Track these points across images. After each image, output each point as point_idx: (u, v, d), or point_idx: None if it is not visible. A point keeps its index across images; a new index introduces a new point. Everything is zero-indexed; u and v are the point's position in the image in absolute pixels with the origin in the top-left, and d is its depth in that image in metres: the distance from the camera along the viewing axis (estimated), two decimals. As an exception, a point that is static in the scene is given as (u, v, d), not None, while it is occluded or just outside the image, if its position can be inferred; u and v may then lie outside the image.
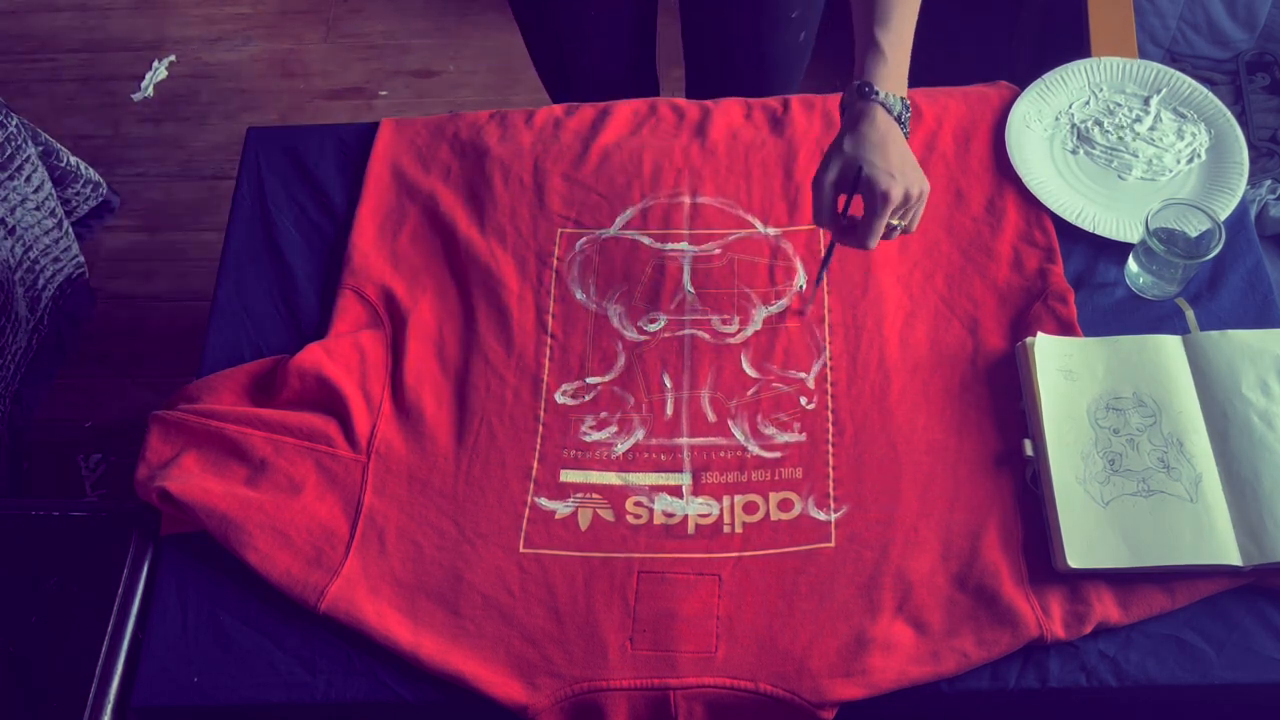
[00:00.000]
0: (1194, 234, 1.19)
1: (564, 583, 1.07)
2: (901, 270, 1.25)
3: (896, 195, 1.05)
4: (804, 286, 1.24)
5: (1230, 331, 1.16)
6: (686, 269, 1.26)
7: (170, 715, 1.05)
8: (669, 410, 1.18)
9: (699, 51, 1.55)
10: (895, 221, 1.08)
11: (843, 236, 1.10)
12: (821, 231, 1.25)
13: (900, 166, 1.06)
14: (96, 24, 2.59)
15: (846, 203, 1.09)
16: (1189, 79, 1.36)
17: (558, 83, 1.60)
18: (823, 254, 1.14)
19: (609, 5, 1.46)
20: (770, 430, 1.16)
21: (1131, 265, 1.23)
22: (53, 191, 1.97)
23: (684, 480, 1.13)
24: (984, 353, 1.19)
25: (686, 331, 1.22)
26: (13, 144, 1.83)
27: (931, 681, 1.01)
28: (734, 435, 1.16)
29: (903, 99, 1.08)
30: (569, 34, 1.49)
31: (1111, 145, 1.32)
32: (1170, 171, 1.30)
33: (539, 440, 1.16)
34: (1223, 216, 1.24)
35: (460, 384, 1.20)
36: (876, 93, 1.06)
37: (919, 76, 1.43)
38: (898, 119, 1.08)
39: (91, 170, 2.11)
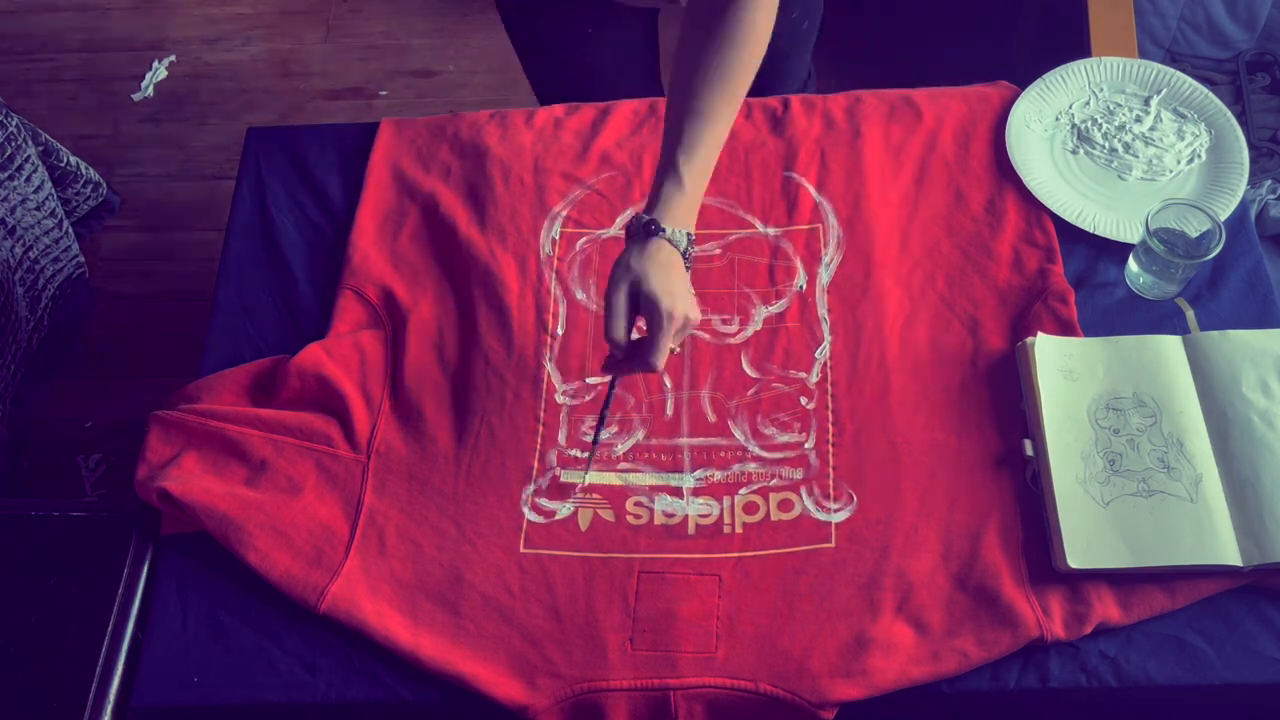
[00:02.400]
0: (1194, 234, 1.19)
1: (564, 583, 1.07)
2: (902, 271, 1.25)
3: (679, 315, 1.03)
4: (804, 286, 1.24)
5: (1230, 331, 1.16)
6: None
7: (170, 715, 1.05)
8: (669, 410, 1.18)
9: None
10: (673, 346, 1.05)
11: (624, 362, 1.07)
12: (599, 380, 1.20)
13: (682, 292, 1.05)
14: (96, 24, 2.59)
15: (631, 322, 1.07)
16: (1189, 79, 1.36)
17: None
18: (604, 400, 1.12)
19: (621, 44, 1.45)
20: (770, 430, 1.16)
21: (1132, 265, 1.23)
22: (53, 191, 1.97)
23: (684, 480, 1.13)
24: (984, 353, 1.19)
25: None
26: (13, 144, 1.83)
27: (932, 682, 1.01)
28: (734, 435, 1.16)
29: (688, 234, 1.07)
30: (583, 73, 1.48)
31: (1112, 145, 1.32)
32: (1170, 171, 1.30)
33: (539, 440, 1.16)
34: (1223, 216, 1.24)
35: (460, 384, 1.20)
36: (663, 230, 1.05)
37: (919, 77, 1.44)
38: (683, 254, 1.06)
39: (91, 170, 2.11)
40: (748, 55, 1.08)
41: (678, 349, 1.08)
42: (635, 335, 1.08)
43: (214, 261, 1.36)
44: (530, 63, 1.52)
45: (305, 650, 1.05)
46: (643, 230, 1.06)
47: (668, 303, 1.03)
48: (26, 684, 1.06)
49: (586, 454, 1.14)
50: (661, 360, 1.04)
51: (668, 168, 1.08)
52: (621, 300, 1.05)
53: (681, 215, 1.07)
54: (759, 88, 1.39)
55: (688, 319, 1.04)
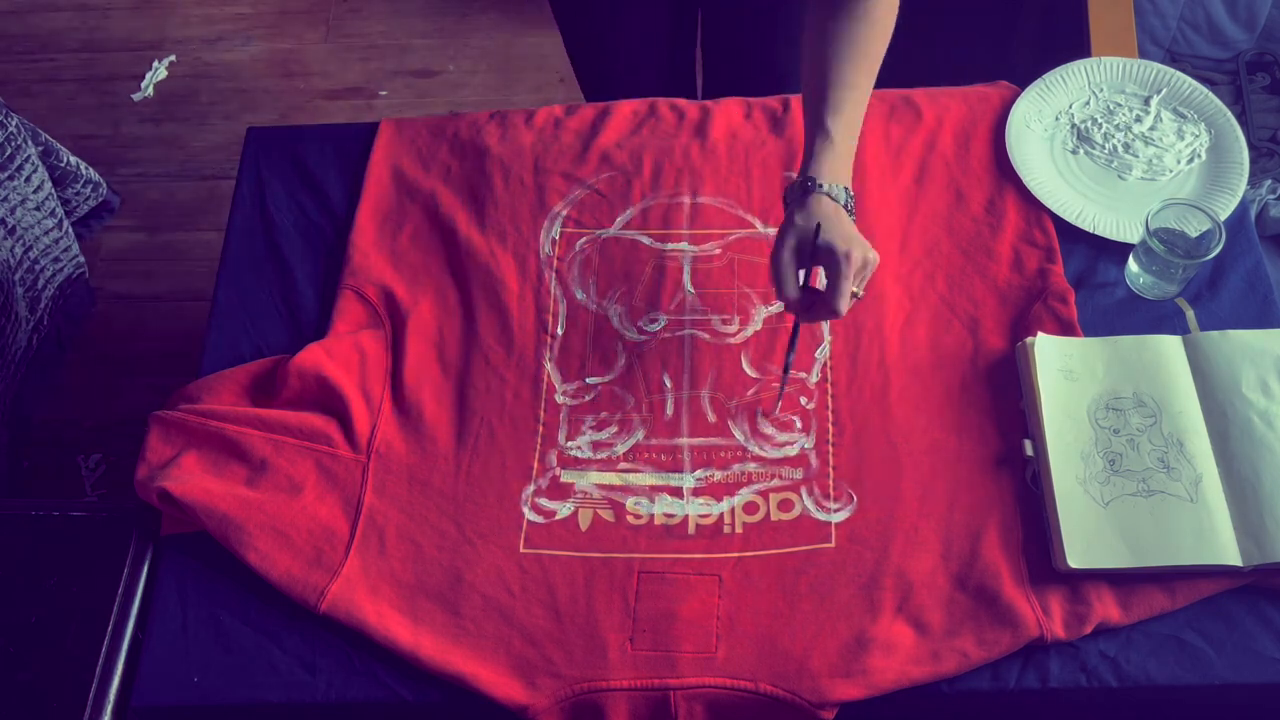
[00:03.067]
0: (1194, 234, 1.19)
1: (564, 583, 1.07)
2: (902, 271, 1.25)
3: (857, 256, 1.05)
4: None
5: (1230, 331, 1.16)
6: (686, 269, 1.26)
7: (170, 715, 1.05)
8: (669, 410, 1.18)
9: (714, 68, 1.58)
10: (855, 289, 1.07)
11: (805, 313, 1.10)
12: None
13: (852, 233, 1.07)
14: (96, 24, 2.59)
15: (805, 275, 1.10)
16: (1189, 79, 1.36)
17: (595, 88, 1.60)
18: (789, 342, 1.13)
19: (647, 11, 1.46)
20: (770, 430, 1.16)
21: (1132, 265, 1.23)
22: (53, 191, 1.97)
23: (684, 480, 1.13)
24: (984, 353, 1.19)
25: (687, 331, 1.22)
26: (13, 144, 1.83)
27: (932, 682, 1.01)
28: (734, 435, 1.16)
29: (847, 189, 1.10)
30: (609, 41, 1.49)
31: (1112, 145, 1.32)
32: (1170, 171, 1.30)
33: (539, 440, 1.16)
34: (1223, 216, 1.24)
35: (460, 384, 1.20)
36: (820, 185, 1.08)
37: (920, 77, 1.44)
38: (844, 206, 1.09)
39: (91, 170, 2.11)
40: (879, 34, 1.13)
41: (861, 292, 1.09)
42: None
43: (214, 261, 1.36)
44: (563, 24, 1.54)
45: (305, 650, 1.05)
46: (800, 190, 1.09)
47: (843, 246, 1.05)
48: (26, 684, 1.06)
49: (777, 386, 1.16)
50: (845, 304, 1.06)
51: (815, 129, 1.11)
52: (787, 257, 1.07)
53: (837, 170, 1.10)
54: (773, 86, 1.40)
55: (866, 259, 1.06)
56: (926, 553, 1.07)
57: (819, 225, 1.06)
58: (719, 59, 1.59)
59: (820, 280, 1.09)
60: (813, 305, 1.09)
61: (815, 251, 1.07)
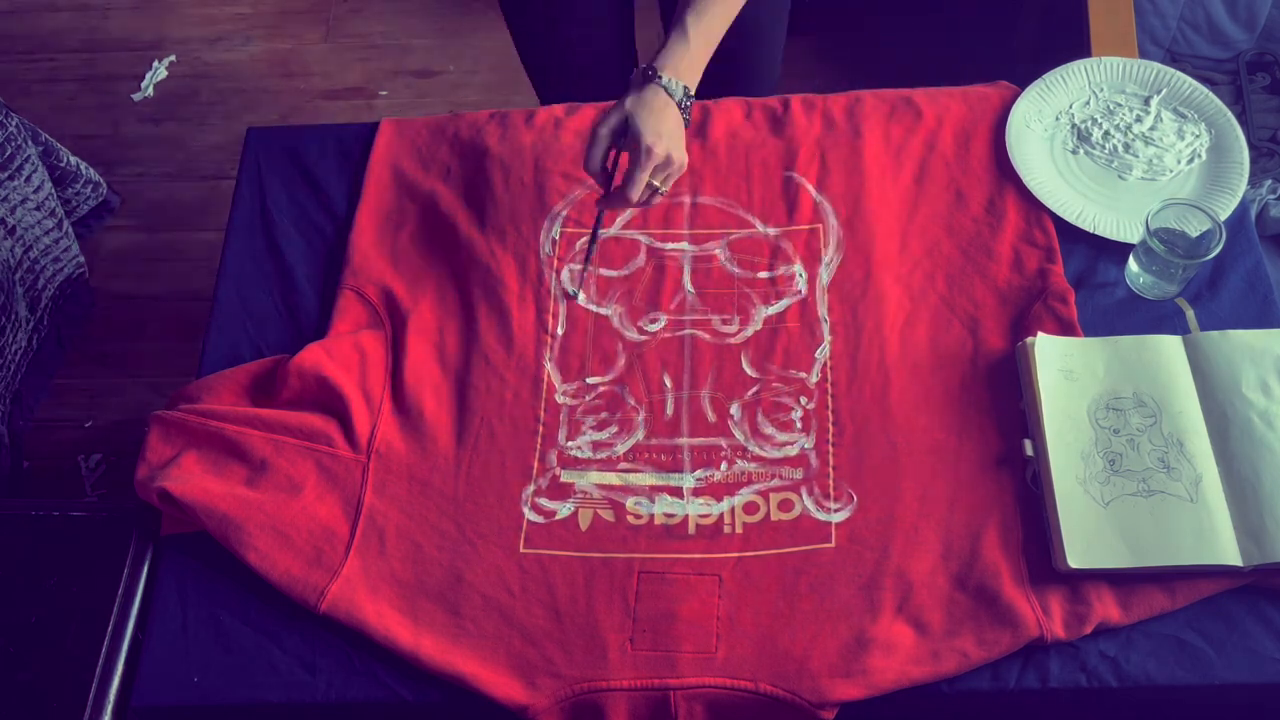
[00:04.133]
0: (1194, 234, 1.19)
1: (564, 583, 1.07)
2: (902, 271, 1.25)
3: (660, 151, 1.10)
4: (804, 287, 1.24)
5: (1230, 331, 1.16)
6: (686, 269, 1.26)
7: (170, 715, 1.05)
8: (669, 410, 1.18)
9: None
10: (655, 183, 1.13)
11: (606, 199, 1.16)
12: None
13: (671, 134, 1.12)
14: (96, 24, 2.59)
15: (615, 158, 1.16)
16: (1189, 79, 1.36)
17: (543, 80, 1.60)
18: (593, 226, 1.22)
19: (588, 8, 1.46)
20: (770, 430, 1.16)
21: (1132, 265, 1.23)
22: (53, 191, 1.97)
23: (684, 480, 1.13)
24: (984, 353, 1.19)
25: (687, 331, 1.22)
26: (13, 144, 1.83)
27: (932, 682, 1.01)
28: (734, 435, 1.16)
29: (686, 88, 1.14)
30: (553, 30, 1.49)
31: (1112, 145, 1.32)
32: (1170, 171, 1.30)
33: (539, 440, 1.16)
34: (1223, 216, 1.24)
35: (460, 384, 1.20)
36: (660, 76, 1.13)
37: (920, 77, 1.44)
38: (678, 105, 1.13)
39: (91, 170, 2.11)
40: None
41: (664, 189, 1.15)
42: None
43: (214, 261, 1.36)
44: (515, 34, 1.54)
45: (305, 650, 1.05)
46: (641, 76, 1.14)
47: (649, 139, 1.10)
48: (26, 684, 1.06)
49: (571, 293, 1.22)
50: (635, 192, 1.12)
51: (674, 25, 1.16)
52: (604, 132, 1.13)
53: (683, 69, 1.14)
54: (731, 76, 1.39)
55: (670, 157, 1.12)
56: (926, 553, 1.07)
57: (636, 117, 1.11)
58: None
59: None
60: (614, 193, 1.15)
61: (626, 136, 1.12)
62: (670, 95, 1.13)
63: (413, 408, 1.18)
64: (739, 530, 1.10)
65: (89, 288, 2.12)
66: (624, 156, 1.16)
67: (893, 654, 1.02)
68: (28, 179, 1.88)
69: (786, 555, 1.08)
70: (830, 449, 1.14)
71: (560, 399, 1.18)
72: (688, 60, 1.15)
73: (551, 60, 1.54)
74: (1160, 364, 1.14)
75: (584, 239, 1.26)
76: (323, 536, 1.10)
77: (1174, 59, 1.77)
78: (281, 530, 1.09)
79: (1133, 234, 1.25)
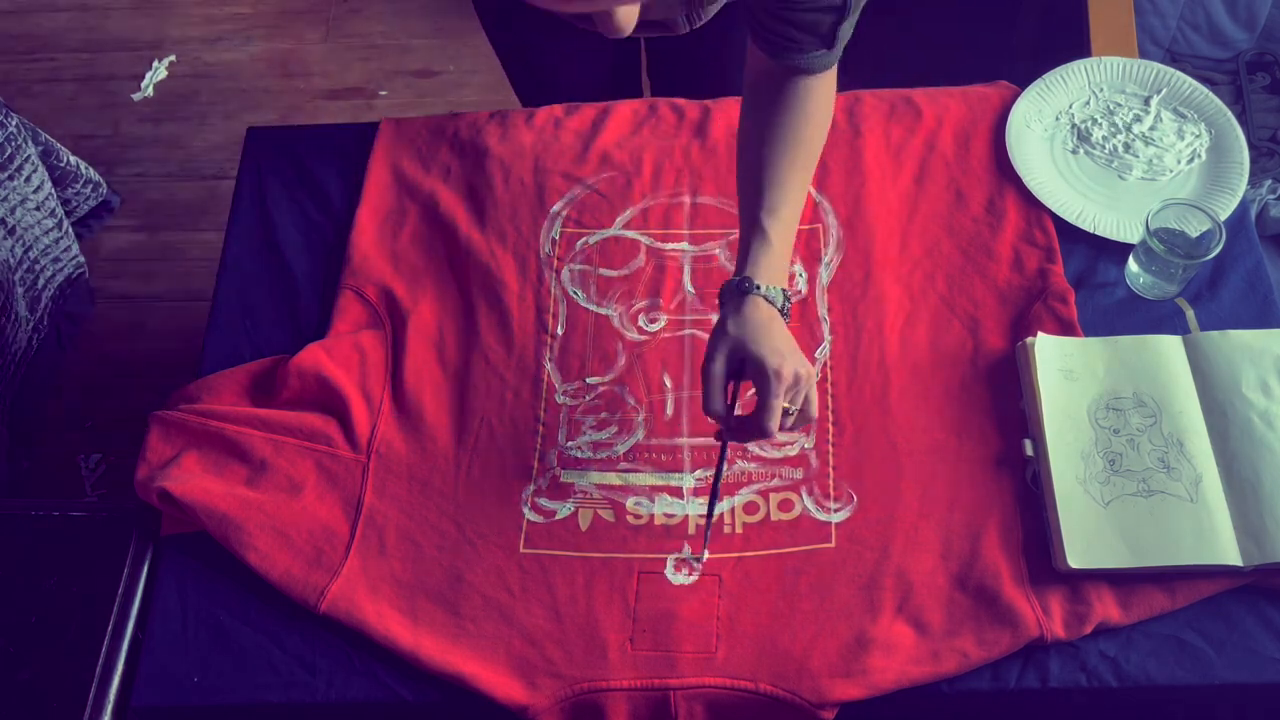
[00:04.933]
0: (1194, 234, 1.19)
1: (564, 583, 1.07)
2: (902, 270, 1.25)
3: (788, 374, 1.00)
4: (804, 287, 1.24)
5: (1230, 331, 1.16)
6: (687, 269, 1.26)
7: (170, 715, 1.05)
8: (669, 410, 1.18)
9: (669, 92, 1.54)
10: (788, 405, 1.01)
11: (733, 433, 1.04)
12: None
13: (787, 347, 1.02)
14: (96, 24, 2.59)
15: (734, 391, 1.06)
16: (1189, 79, 1.35)
17: (527, 97, 1.59)
18: (716, 468, 1.07)
19: (590, 57, 1.45)
20: (770, 430, 1.15)
21: (1132, 265, 1.23)
22: (53, 191, 1.97)
23: (684, 480, 1.13)
24: (984, 353, 1.19)
25: (687, 331, 1.22)
26: (13, 144, 1.83)
27: (932, 681, 1.01)
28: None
29: (784, 290, 1.05)
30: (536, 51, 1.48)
31: (1112, 145, 1.32)
32: (1170, 171, 1.30)
33: (539, 440, 1.16)
34: (1223, 216, 1.24)
35: (460, 384, 1.20)
36: (757, 287, 1.03)
37: (919, 77, 1.44)
38: (780, 310, 1.04)
39: (91, 170, 2.11)
40: (815, 127, 1.10)
41: (794, 409, 1.02)
42: (740, 409, 1.06)
43: (214, 261, 1.36)
44: (507, 64, 1.53)
45: (305, 650, 1.05)
46: (735, 290, 1.04)
47: (775, 361, 1.00)
48: (26, 684, 1.06)
49: (703, 524, 1.08)
50: (774, 424, 1.00)
51: (751, 227, 1.06)
52: (719, 369, 1.02)
53: (774, 272, 1.05)
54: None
55: (798, 375, 1.01)
56: (926, 553, 1.07)
57: (749, 342, 1.01)
58: (666, 81, 1.55)
59: (750, 396, 1.05)
60: (742, 424, 1.04)
61: (744, 365, 1.02)
62: (772, 304, 1.03)
63: (413, 408, 1.18)
64: (739, 530, 1.10)
65: (89, 288, 2.12)
66: (745, 386, 1.05)
67: (893, 654, 1.02)
68: (28, 179, 1.88)
69: (786, 555, 1.08)
70: (830, 449, 1.14)
71: (560, 399, 1.18)
72: (777, 261, 1.05)
73: (533, 80, 1.52)
74: (1160, 364, 1.14)
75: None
76: (323, 536, 1.10)
77: (1174, 59, 1.77)
78: (281, 530, 1.09)
79: (1133, 234, 1.25)
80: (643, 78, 1.61)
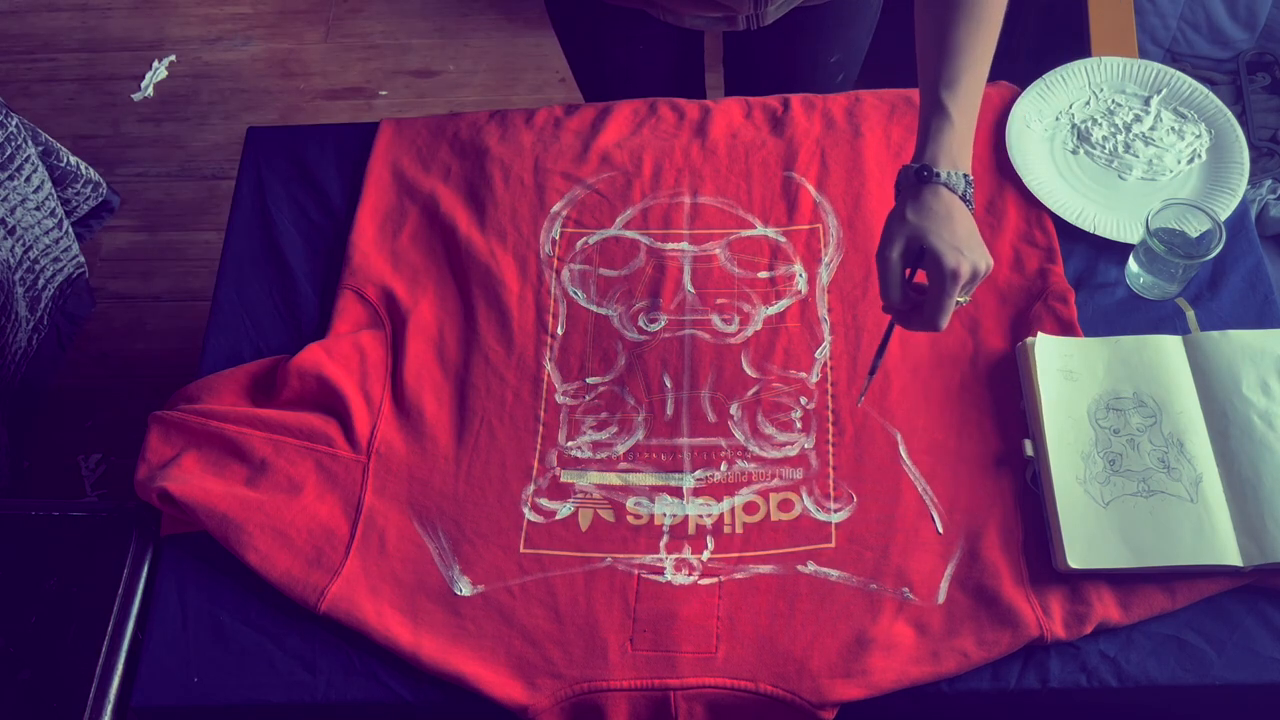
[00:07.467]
0: (1194, 234, 1.19)
1: (564, 583, 1.07)
2: (902, 270, 1.25)
3: (965, 272, 0.97)
4: (804, 287, 1.24)
5: (1231, 331, 1.16)
6: (687, 269, 1.26)
7: (170, 715, 1.05)
8: (669, 410, 1.18)
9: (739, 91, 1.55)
10: (961, 299, 0.99)
11: (905, 319, 1.02)
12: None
13: (967, 242, 0.99)
14: (96, 24, 2.59)
15: (912, 273, 1.02)
16: (1189, 79, 1.35)
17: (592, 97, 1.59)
18: (880, 344, 1.08)
19: (654, 48, 1.44)
20: (770, 430, 1.16)
21: (1132, 265, 1.23)
22: (53, 191, 1.97)
23: (684, 480, 1.13)
24: (984, 353, 1.19)
25: (687, 331, 1.22)
26: (13, 144, 1.83)
27: (932, 682, 1.01)
28: (734, 435, 1.16)
29: (966, 175, 1.00)
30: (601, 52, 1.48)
31: (1112, 145, 1.32)
32: (1170, 171, 1.30)
33: (539, 440, 1.16)
34: (1223, 216, 1.24)
35: (460, 384, 1.20)
36: (938, 174, 0.99)
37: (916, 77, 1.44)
38: (962, 197, 1.00)
39: (91, 170, 2.11)
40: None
41: (966, 300, 1.00)
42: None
43: (214, 261, 1.37)
44: (574, 64, 1.52)
45: (305, 650, 1.05)
46: (914, 178, 1.00)
47: (952, 259, 0.96)
48: (26, 684, 1.06)
49: (865, 379, 1.11)
50: (945, 321, 0.97)
51: (932, 107, 1.01)
52: (895, 258, 0.99)
53: (956, 154, 1.00)
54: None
55: (976, 271, 0.97)
56: (926, 553, 1.07)
57: (928, 234, 0.97)
58: (743, 89, 1.55)
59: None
60: (914, 311, 1.01)
61: (921, 257, 0.99)
62: (953, 191, 0.99)
63: (413, 408, 1.18)
64: (739, 530, 1.10)
65: (89, 288, 2.12)
66: (921, 272, 1.02)
67: (893, 654, 1.02)
68: (28, 179, 1.88)
69: (787, 555, 1.08)
70: (830, 449, 1.14)
71: (560, 399, 1.18)
72: (957, 142, 1.00)
73: (600, 82, 1.52)
74: (1160, 364, 1.14)
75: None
76: (323, 536, 1.10)
77: (1174, 59, 1.77)
78: (281, 530, 1.09)
79: (1133, 234, 1.25)
80: (705, 77, 1.61)
